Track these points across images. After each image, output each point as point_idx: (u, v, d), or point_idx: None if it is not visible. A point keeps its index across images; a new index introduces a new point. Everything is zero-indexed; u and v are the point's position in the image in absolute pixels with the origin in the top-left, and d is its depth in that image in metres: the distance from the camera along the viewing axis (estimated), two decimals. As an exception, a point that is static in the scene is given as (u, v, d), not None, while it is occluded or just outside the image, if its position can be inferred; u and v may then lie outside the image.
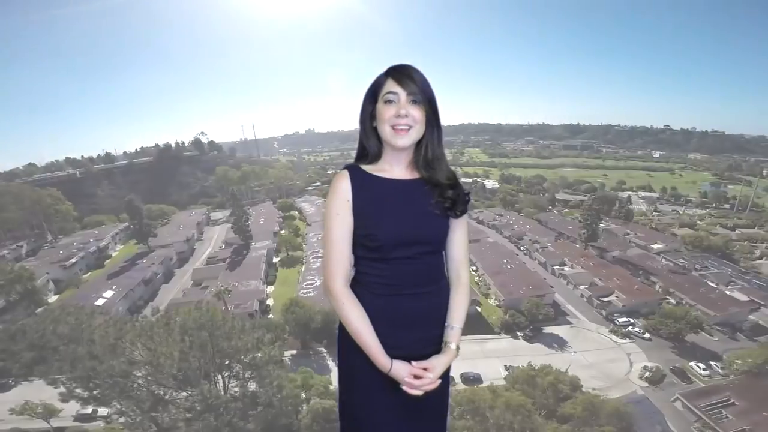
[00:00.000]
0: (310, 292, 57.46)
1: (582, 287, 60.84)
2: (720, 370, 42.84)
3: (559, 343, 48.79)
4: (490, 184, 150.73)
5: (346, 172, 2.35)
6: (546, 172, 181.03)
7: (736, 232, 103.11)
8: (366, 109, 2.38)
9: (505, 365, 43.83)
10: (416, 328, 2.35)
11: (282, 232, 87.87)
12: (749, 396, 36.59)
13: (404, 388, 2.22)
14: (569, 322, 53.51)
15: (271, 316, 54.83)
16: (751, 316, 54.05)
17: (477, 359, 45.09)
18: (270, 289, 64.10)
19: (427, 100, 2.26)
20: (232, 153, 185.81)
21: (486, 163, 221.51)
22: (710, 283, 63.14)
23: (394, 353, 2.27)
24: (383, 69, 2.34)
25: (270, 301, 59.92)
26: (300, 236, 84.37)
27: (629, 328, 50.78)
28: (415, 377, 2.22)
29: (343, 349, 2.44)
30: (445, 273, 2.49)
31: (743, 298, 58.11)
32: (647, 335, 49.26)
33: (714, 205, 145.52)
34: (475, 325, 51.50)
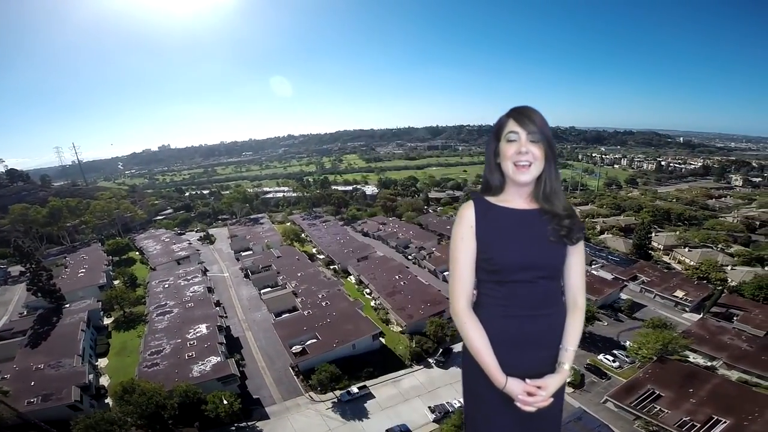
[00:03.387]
0: (157, 364, 42.24)
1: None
2: (626, 359, 43.52)
3: (472, 362, 44.50)
4: (370, 190, 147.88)
5: (471, 202, 2.70)
6: (416, 173, 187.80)
7: (577, 210, 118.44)
8: (490, 146, 2.69)
9: (429, 407, 38.05)
10: (532, 348, 2.59)
11: (116, 282, 67.14)
12: (668, 384, 36.66)
13: (518, 404, 2.47)
14: (474, 335, 49.92)
15: (109, 401, 39.58)
16: (622, 295, 58.51)
17: (398, 404, 38.83)
18: (103, 362, 47.91)
19: (545, 139, 2.50)
20: (46, 182, 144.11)
21: (364, 168, 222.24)
22: (578, 265, 67.75)
23: (510, 371, 2.51)
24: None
25: (105, 380, 44.13)
26: (141, 285, 65.10)
27: (530, 330, 49.36)
28: (528, 394, 2.46)
29: (467, 365, 2.76)
30: (562, 297, 2.74)
31: (608, 276, 63.25)
32: None
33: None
34: (385, 361, 44.84)
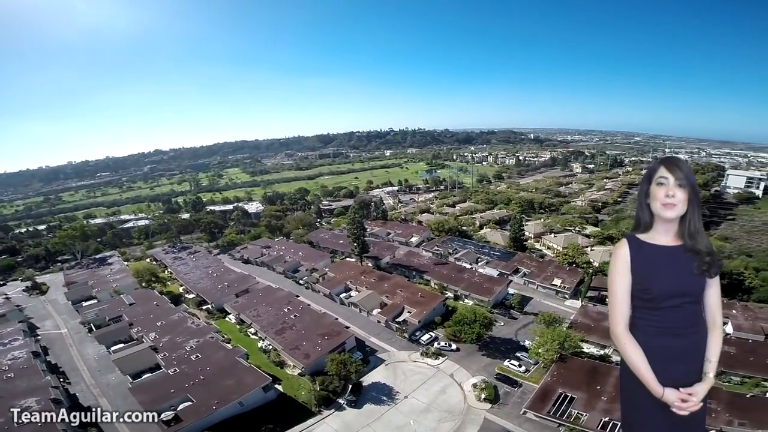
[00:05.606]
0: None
1: (375, 312, 55.34)
2: (530, 361, 44.24)
3: (386, 393, 40.98)
4: (254, 207, 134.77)
5: (625, 240, 3.29)
6: (308, 184, 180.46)
7: (456, 208, 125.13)
8: (643, 188, 3.31)
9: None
10: (680, 361, 3.14)
11: None
12: (576, 385, 37.46)
13: (673, 409, 3.02)
14: (382, 360, 46.67)
15: None
16: (510, 290, 60.98)
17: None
18: None
19: (690, 185, 3.11)
20: None
21: (248, 183, 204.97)
22: (466, 266, 69.69)
23: (663, 381, 3.06)
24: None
25: None
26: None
27: (435, 344, 48.19)
28: (682, 401, 3.01)
29: (624, 378, 3.31)
30: (704, 318, 3.29)
31: (494, 272, 66.03)
32: (454, 346, 47.67)
33: (434, 188, 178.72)
34: (286, 413, 38.53)
